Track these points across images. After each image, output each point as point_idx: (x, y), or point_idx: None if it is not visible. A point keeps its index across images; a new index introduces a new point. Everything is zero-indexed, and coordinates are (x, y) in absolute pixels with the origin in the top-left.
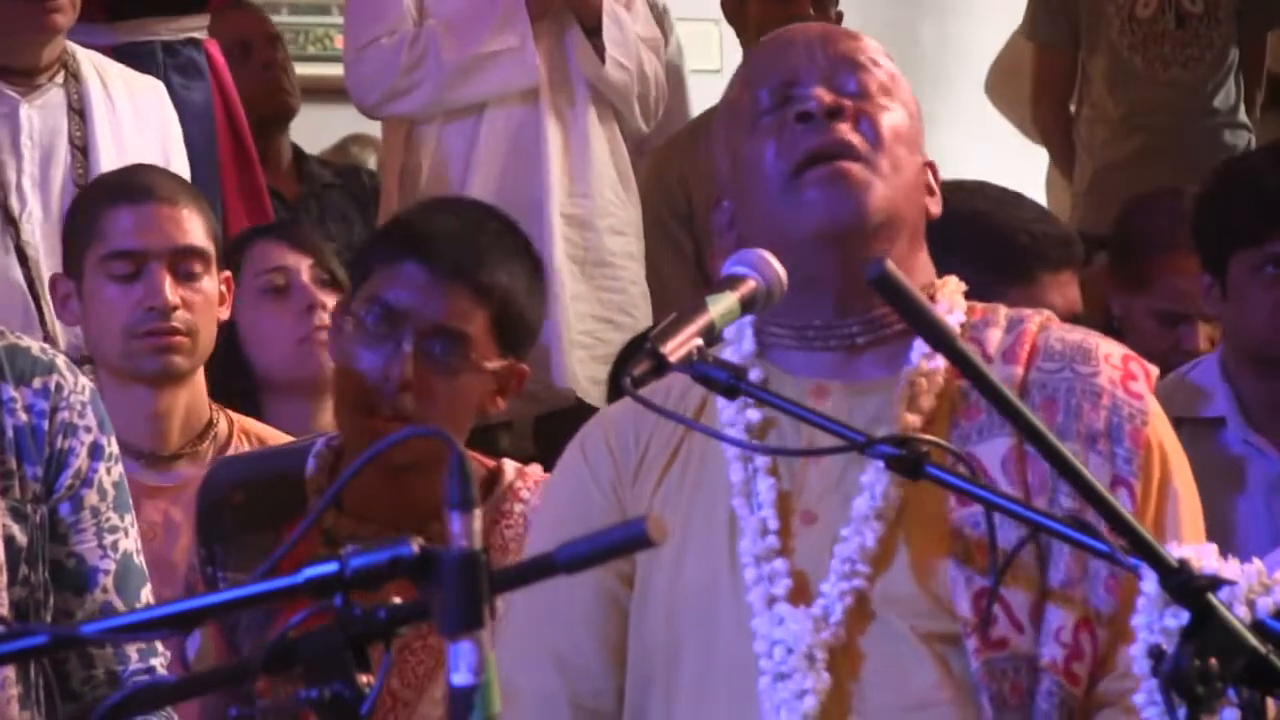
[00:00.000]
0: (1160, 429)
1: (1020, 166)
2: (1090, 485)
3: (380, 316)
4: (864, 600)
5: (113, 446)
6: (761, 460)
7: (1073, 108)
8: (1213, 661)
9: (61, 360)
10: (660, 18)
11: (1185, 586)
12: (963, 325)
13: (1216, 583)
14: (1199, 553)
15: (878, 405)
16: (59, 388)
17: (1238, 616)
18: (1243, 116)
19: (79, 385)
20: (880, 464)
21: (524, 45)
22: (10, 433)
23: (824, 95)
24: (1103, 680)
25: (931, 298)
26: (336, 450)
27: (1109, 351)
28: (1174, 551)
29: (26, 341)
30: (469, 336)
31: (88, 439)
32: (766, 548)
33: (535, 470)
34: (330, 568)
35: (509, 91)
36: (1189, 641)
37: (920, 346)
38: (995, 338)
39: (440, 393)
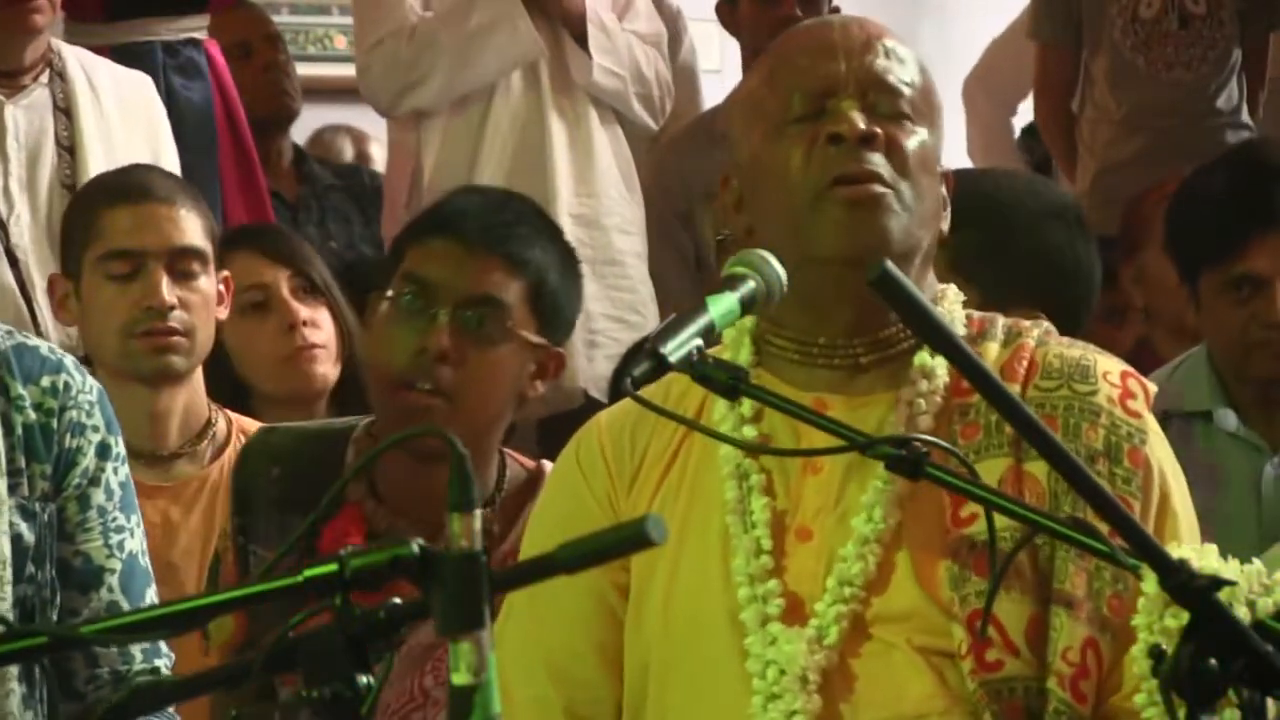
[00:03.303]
0: (1159, 448)
1: None
2: (1091, 484)
3: (415, 293)
4: (860, 621)
5: (120, 447)
6: (756, 478)
7: (1075, 108)
8: (1213, 661)
9: (70, 360)
10: (674, 19)
11: (1185, 586)
12: (962, 339)
13: (1216, 583)
14: (1199, 553)
15: (876, 422)
16: (67, 387)
17: (1238, 617)
18: (1245, 117)
19: (87, 385)
20: (879, 484)
21: (514, 13)
22: (19, 430)
23: (858, 121)
24: (1117, 696)
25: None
26: (374, 436)
27: (1108, 369)
28: (1174, 552)
29: (35, 341)
30: (504, 304)
31: (95, 439)
32: (760, 567)
33: None
34: (330, 568)
35: (514, 64)
36: (1189, 641)
37: (921, 364)
38: (993, 352)
39: (477, 364)
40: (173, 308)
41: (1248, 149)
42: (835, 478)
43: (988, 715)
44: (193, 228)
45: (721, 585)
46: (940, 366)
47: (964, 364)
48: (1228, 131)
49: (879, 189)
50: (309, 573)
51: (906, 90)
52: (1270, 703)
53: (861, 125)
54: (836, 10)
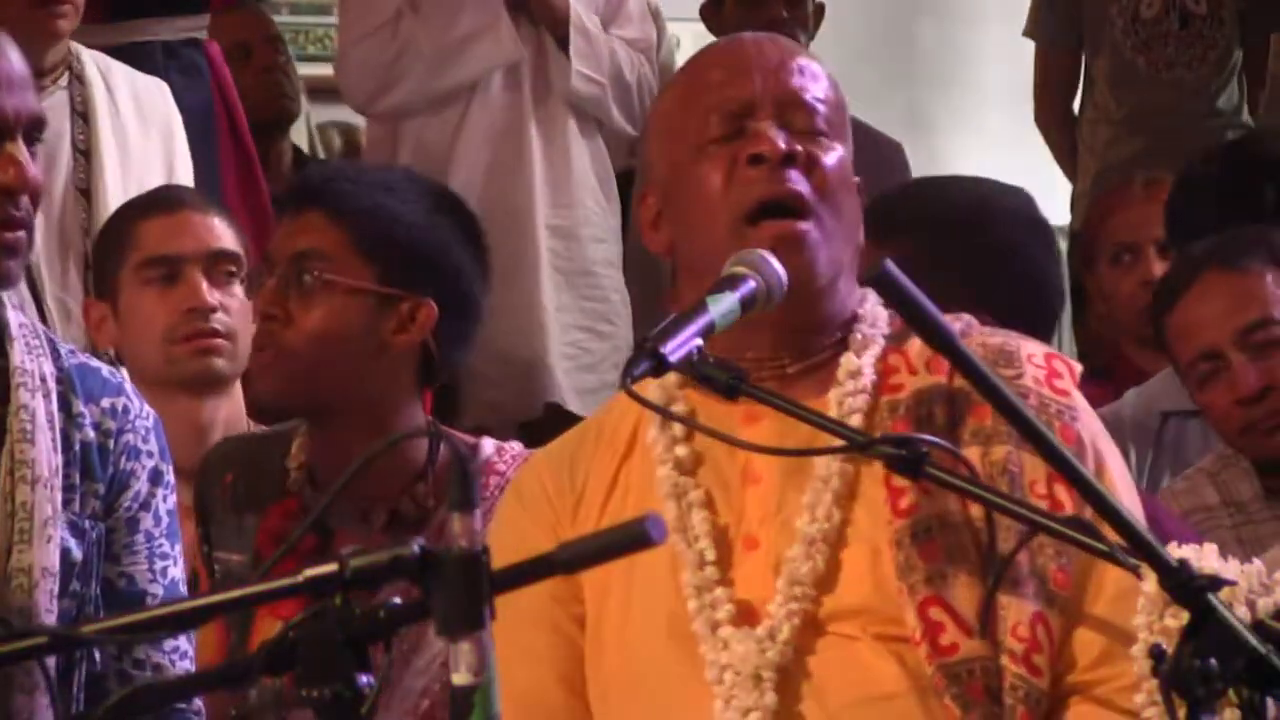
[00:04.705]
0: (1090, 423)
1: (1018, 167)
2: (1088, 483)
3: (265, 269)
4: (814, 620)
5: (170, 475)
6: (694, 495)
7: (1076, 108)
8: (1213, 661)
9: (129, 385)
10: (654, 16)
11: (1185, 586)
12: (885, 337)
13: (1216, 583)
14: (1199, 553)
15: (808, 428)
16: (125, 410)
17: (1238, 616)
18: (1246, 117)
19: (144, 411)
20: (818, 485)
21: (499, 22)
22: (77, 447)
23: (778, 140)
24: (1071, 672)
25: (855, 316)
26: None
27: (1032, 352)
28: (1173, 551)
29: (96, 363)
30: (319, 251)
31: (149, 464)
32: (706, 578)
33: (514, 446)
34: (330, 568)
35: (493, 68)
36: (1189, 641)
37: (847, 365)
38: (916, 347)
39: (303, 317)
40: (214, 309)
41: (1246, 142)
42: (774, 486)
43: (947, 698)
44: (227, 234)
45: (674, 603)
46: (867, 365)
47: (962, 362)
48: (1228, 132)
49: (801, 226)
50: (309, 573)
51: (821, 107)
52: (1270, 703)
53: (782, 144)
54: (821, 10)
